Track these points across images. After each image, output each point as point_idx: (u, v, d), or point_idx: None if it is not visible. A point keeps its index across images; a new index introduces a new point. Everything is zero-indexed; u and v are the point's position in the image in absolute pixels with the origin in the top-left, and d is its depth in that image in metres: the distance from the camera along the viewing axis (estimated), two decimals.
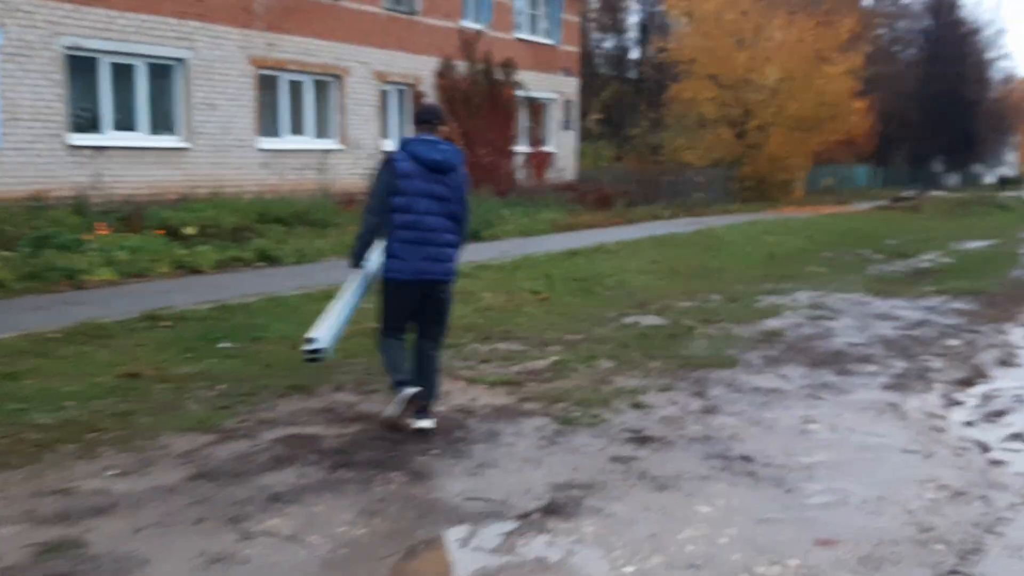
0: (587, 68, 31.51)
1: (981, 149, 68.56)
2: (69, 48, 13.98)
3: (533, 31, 25.85)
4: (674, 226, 19.57)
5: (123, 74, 14.97)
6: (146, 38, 15.06)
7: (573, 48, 27.59)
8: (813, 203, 30.48)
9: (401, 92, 21.21)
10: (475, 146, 22.52)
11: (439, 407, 5.47)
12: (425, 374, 5.31)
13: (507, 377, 6.40)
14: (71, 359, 6.52)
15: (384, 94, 20.63)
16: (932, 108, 55.03)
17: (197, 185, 15.91)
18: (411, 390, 5.18)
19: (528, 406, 5.73)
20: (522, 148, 24.93)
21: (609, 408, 5.72)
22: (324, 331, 5.23)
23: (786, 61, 27.19)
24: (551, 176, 25.66)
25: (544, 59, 25.89)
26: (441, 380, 5.53)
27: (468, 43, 22.67)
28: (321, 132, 19.23)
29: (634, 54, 39.15)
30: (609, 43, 38.26)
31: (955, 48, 58.64)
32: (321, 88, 19.13)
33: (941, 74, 56.24)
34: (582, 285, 10.68)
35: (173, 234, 12.54)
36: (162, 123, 15.79)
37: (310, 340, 5.19)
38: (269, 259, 12.18)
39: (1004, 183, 61.96)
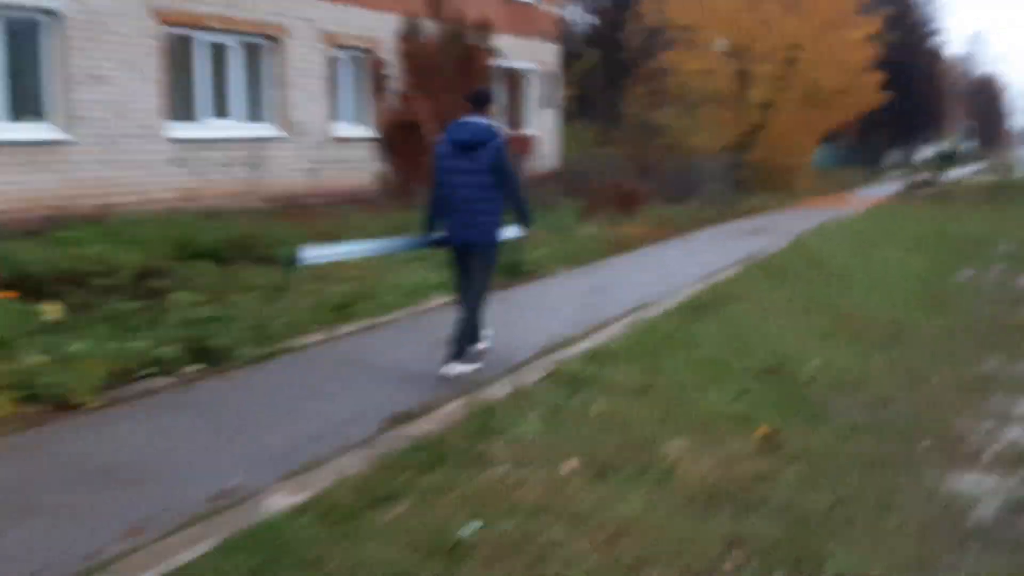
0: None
1: (922, 123, 66.46)
2: None
3: None
4: (737, 236, 15.28)
5: None
6: None
7: (554, 7, 22.75)
8: (822, 192, 26.61)
9: (356, 59, 16.17)
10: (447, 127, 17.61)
11: None
12: (456, 333, 6.25)
13: None
14: None
15: (335, 62, 15.56)
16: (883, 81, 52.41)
17: (79, 194, 10.86)
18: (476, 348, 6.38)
19: None
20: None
21: None
22: (319, 252, 6.18)
23: (801, 24, 22.94)
24: (531, 165, 20.87)
25: (522, 20, 21.00)
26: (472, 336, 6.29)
27: None
28: (254, 115, 14.15)
29: (595, 20, 34.52)
30: (569, 9, 33.39)
31: (907, 17, 56.20)
32: (253, 54, 14.04)
33: (894, 45, 53.65)
34: (780, 387, 6.06)
35: (33, 292, 7.35)
36: (25, 105, 10.65)
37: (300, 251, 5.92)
38: (206, 353, 6.36)
39: (946, 159, 59.63)
